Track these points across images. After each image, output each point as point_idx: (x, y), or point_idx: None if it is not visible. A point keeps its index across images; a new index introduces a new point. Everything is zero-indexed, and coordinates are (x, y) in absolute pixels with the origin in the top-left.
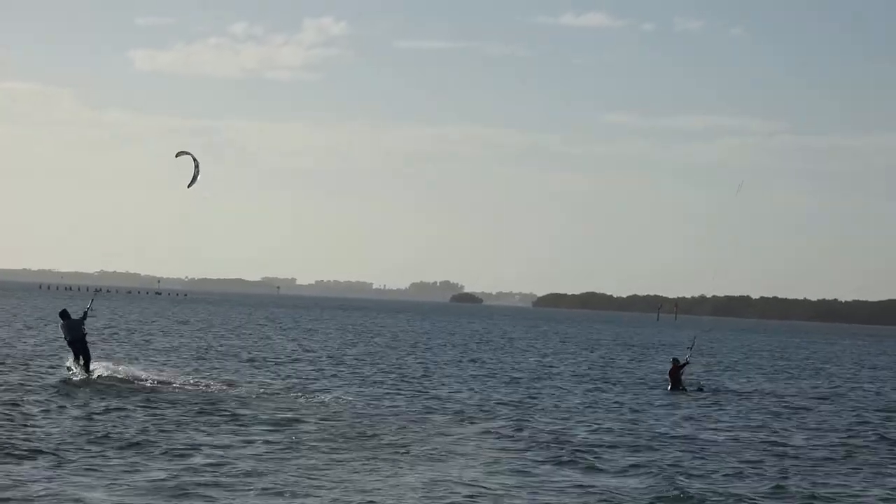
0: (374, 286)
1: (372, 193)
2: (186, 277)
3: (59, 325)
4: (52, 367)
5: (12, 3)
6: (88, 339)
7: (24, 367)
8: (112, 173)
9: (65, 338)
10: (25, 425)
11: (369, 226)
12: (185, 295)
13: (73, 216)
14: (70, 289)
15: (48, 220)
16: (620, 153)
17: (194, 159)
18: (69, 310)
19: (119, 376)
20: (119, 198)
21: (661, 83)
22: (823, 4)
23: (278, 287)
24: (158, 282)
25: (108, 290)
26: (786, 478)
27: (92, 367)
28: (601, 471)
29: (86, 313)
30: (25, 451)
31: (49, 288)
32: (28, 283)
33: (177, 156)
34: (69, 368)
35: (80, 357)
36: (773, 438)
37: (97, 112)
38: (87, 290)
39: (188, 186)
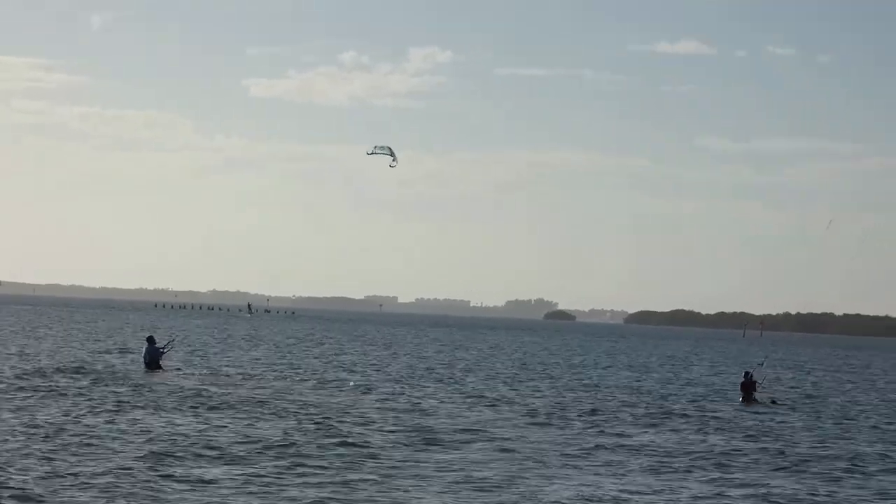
0: (471, 304)
1: (470, 215)
2: (294, 296)
3: (144, 348)
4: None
5: (130, 34)
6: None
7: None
8: (225, 198)
9: (144, 359)
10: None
11: (468, 246)
12: (293, 313)
13: (186, 238)
14: (184, 307)
15: (163, 242)
16: (710, 176)
17: (390, 150)
18: (155, 337)
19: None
20: (231, 221)
21: (751, 108)
22: None
23: (381, 304)
24: (268, 300)
25: (219, 308)
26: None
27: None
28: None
29: (164, 350)
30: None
31: (164, 307)
32: (144, 302)
33: (369, 154)
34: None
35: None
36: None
37: (211, 139)
38: (200, 308)
39: (393, 164)
